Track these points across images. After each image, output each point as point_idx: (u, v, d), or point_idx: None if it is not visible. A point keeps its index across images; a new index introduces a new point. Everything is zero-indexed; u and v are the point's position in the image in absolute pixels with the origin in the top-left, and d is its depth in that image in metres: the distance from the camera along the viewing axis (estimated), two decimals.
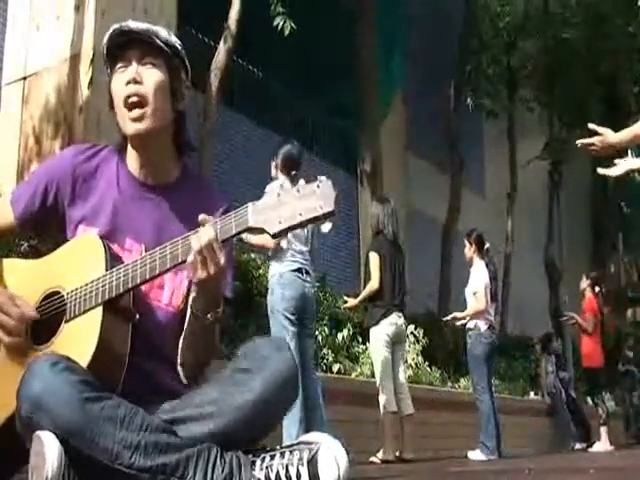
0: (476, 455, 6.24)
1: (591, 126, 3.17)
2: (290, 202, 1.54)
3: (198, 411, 1.61)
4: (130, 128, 1.78)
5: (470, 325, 6.62)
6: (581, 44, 13.22)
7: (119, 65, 1.80)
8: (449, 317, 6.98)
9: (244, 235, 4.50)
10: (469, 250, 6.81)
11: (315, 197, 1.53)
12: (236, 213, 1.59)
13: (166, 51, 1.82)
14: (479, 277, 6.64)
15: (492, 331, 6.64)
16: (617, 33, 13.39)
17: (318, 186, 1.54)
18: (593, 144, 3.12)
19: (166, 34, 1.84)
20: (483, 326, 6.55)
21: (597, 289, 9.05)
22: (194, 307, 1.70)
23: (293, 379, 1.67)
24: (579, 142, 3.16)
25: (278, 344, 1.72)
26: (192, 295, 1.72)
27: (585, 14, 13.18)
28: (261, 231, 1.57)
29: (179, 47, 1.86)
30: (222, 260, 1.61)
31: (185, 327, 1.76)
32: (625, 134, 3.12)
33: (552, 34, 13.51)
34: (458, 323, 6.87)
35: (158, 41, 1.81)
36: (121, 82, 1.79)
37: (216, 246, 1.59)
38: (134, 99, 1.76)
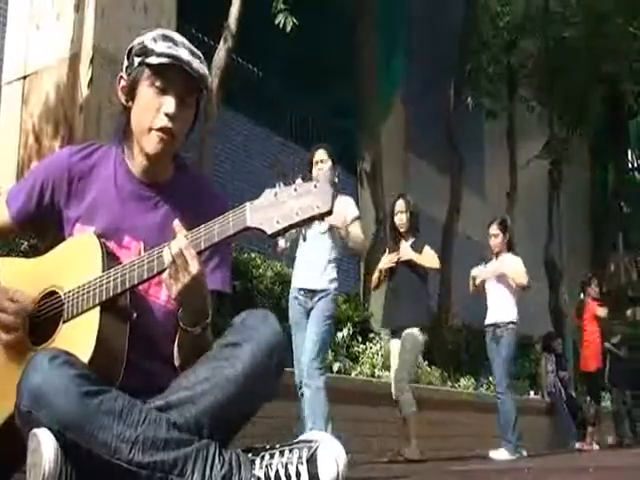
0: (500, 454, 6.10)
1: None
2: (287, 201, 1.54)
3: (191, 393, 1.61)
4: (151, 148, 1.81)
5: (512, 318, 6.36)
6: (581, 43, 13.22)
7: (160, 83, 1.79)
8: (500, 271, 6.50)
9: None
10: (502, 241, 6.51)
11: (312, 196, 1.53)
12: (234, 213, 1.59)
13: (201, 90, 1.86)
14: (519, 261, 6.37)
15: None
16: (617, 33, 13.38)
17: (315, 185, 1.54)
18: None
19: (207, 74, 1.85)
20: (517, 320, 6.37)
21: (588, 291, 9.21)
22: (181, 321, 1.70)
23: (280, 347, 1.68)
24: None
25: (264, 314, 1.73)
26: (179, 310, 1.72)
27: (585, 13, 13.17)
28: (258, 231, 1.57)
29: (208, 79, 1.88)
30: (195, 269, 1.60)
31: (177, 336, 1.76)
32: None
33: (552, 33, 13.51)
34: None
35: (202, 87, 1.84)
36: (158, 106, 1.79)
37: (188, 255, 1.59)
38: (165, 133, 1.79)
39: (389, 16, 10.79)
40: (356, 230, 4.59)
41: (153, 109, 1.79)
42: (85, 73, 5.91)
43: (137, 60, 1.80)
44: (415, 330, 5.67)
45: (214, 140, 6.84)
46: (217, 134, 6.95)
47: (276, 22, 6.70)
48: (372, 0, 10.08)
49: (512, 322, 6.37)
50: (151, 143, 1.80)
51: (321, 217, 1.54)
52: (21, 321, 1.71)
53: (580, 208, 18.88)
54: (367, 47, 9.83)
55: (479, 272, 6.62)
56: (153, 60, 1.77)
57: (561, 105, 14.23)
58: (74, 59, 6.02)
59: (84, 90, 5.88)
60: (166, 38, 1.81)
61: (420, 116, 11.70)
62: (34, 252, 4.18)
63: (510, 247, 6.55)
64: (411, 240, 5.85)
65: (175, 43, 1.80)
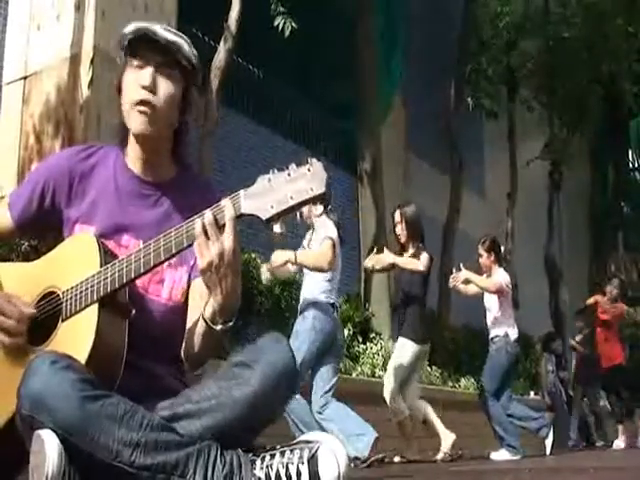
0: (501, 455, 6.09)
1: None
2: (281, 186, 1.53)
3: (197, 407, 1.60)
4: (135, 126, 1.80)
5: (499, 332, 6.29)
6: (581, 44, 13.23)
7: (137, 62, 1.80)
8: (458, 278, 6.37)
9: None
10: (487, 259, 6.40)
11: (306, 179, 1.51)
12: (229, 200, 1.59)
13: (185, 65, 1.83)
14: (503, 279, 6.28)
15: (518, 343, 6.36)
16: (617, 33, 13.39)
17: (309, 169, 1.52)
18: None
19: (188, 48, 1.84)
20: (513, 335, 6.26)
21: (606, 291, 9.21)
22: (204, 312, 1.66)
23: (291, 371, 1.65)
24: None
25: (276, 337, 1.70)
26: (205, 298, 1.69)
27: (585, 13, 13.19)
28: (254, 218, 1.56)
29: (197, 61, 1.86)
30: (229, 241, 1.56)
31: (191, 326, 1.75)
32: None
33: (552, 33, 13.52)
34: (458, 284, 6.37)
35: (180, 56, 1.81)
36: (135, 82, 1.79)
37: (218, 224, 1.57)
38: (145, 105, 1.78)
39: (389, 16, 10.79)
40: (311, 253, 4.48)
41: (134, 89, 1.79)
42: (85, 73, 5.92)
43: (122, 56, 1.84)
44: (404, 340, 5.66)
45: (214, 140, 6.84)
46: (217, 134, 6.95)
47: (275, 24, 6.68)
48: (372, 0, 10.08)
49: (497, 336, 6.30)
50: (134, 119, 1.79)
51: (315, 200, 1.52)
52: (24, 327, 1.71)
53: (580, 208, 18.89)
54: (367, 47, 9.83)
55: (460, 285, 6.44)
56: (125, 42, 1.80)
57: (561, 105, 14.24)
58: (74, 59, 6.03)
59: (84, 90, 5.88)
60: (140, 24, 1.83)
61: (420, 116, 11.69)
62: (35, 253, 4.19)
63: (500, 263, 6.48)
64: (411, 250, 5.74)
65: (147, 24, 1.82)
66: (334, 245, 4.39)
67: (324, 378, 4.55)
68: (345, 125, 10.20)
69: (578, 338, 10.31)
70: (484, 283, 6.30)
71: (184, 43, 1.83)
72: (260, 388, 1.59)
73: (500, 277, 6.33)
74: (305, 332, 4.44)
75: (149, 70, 1.78)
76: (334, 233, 4.43)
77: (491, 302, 6.40)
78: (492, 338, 6.35)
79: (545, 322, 13.33)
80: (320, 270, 4.44)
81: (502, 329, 6.29)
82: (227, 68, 6.61)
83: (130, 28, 1.81)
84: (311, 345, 4.43)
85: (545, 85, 14.04)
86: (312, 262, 4.43)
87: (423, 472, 4.41)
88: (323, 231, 4.45)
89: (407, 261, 5.66)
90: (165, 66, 1.80)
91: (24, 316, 1.70)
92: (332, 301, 4.59)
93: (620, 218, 20.05)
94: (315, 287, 4.56)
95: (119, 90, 1.84)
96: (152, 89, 1.77)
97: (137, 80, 1.78)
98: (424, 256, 5.65)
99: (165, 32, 1.80)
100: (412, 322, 5.67)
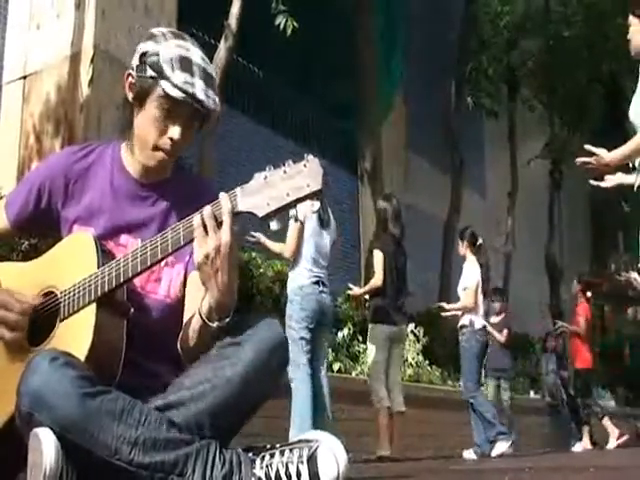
0: (500, 448, 6.14)
1: (587, 147, 3.41)
2: (277, 183, 1.53)
3: (191, 392, 1.59)
4: (151, 164, 1.82)
5: (465, 322, 6.45)
6: (581, 43, 13.24)
7: (169, 107, 1.76)
8: (438, 305, 6.79)
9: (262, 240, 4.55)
10: (462, 247, 6.74)
11: (302, 176, 1.51)
12: None
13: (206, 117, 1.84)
14: (470, 274, 6.55)
15: (485, 331, 6.53)
16: (617, 32, 13.38)
17: (305, 165, 1.51)
18: (590, 163, 3.38)
19: (217, 104, 1.81)
20: (478, 324, 6.44)
21: (589, 294, 8.92)
22: (201, 308, 1.66)
23: (282, 346, 1.66)
24: (578, 161, 3.46)
25: (267, 320, 1.71)
26: (202, 289, 1.68)
27: (586, 13, 13.19)
28: (250, 215, 1.56)
29: (218, 109, 1.85)
30: (226, 235, 1.57)
31: (188, 318, 1.75)
32: (618, 153, 3.37)
33: (552, 33, 13.52)
34: (446, 314, 6.74)
35: (209, 114, 1.82)
36: (164, 127, 1.77)
37: (216, 219, 1.57)
38: (167, 154, 1.80)
39: (389, 16, 10.80)
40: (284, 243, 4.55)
41: (159, 129, 1.78)
42: (86, 72, 5.93)
43: (150, 72, 1.76)
44: (370, 325, 5.77)
45: (214, 139, 6.84)
46: (217, 133, 6.95)
47: (276, 23, 6.68)
48: (372, 0, 10.09)
49: (464, 325, 6.45)
50: (151, 160, 1.81)
51: (312, 196, 1.52)
52: (26, 320, 1.72)
53: (581, 207, 18.90)
54: (367, 47, 9.84)
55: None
56: (168, 88, 1.74)
57: (561, 104, 14.25)
58: (74, 58, 6.04)
59: (85, 89, 5.89)
60: (183, 63, 1.76)
61: (420, 116, 11.70)
62: (35, 251, 4.19)
63: (473, 251, 6.68)
64: None
65: (192, 72, 1.76)
66: (301, 228, 4.43)
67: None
68: (345, 125, 10.20)
69: (493, 320, 8.94)
70: (458, 306, 6.54)
71: (217, 101, 1.81)
72: (251, 364, 1.60)
73: (465, 281, 6.53)
74: (289, 317, 4.52)
75: (180, 125, 1.77)
76: (302, 214, 4.41)
77: (459, 291, 6.60)
78: (460, 327, 6.50)
79: (545, 321, 13.33)
80: (284, 257, 4.55)
81: (467, 318, 6.42)
82: (227, 67, 6.61)
83: (178, 79, 1.73)
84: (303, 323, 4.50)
85: (545, 84, 14.05)
86: (275, 249, 4.57)
87: (422, 471, 4.41)
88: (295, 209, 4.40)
89: (372, 284, 5.79)
90: (194, 120, 1.81)
91: (26, 309, 1.71)
92: (315, 280, 4.55)
93: (621, 217, 20.06)
94: (290, 269, 4.62)
95: (135, 94, 1.80)
96: (177, 142, 1.78)
97: (166, 129, 1.77)
98: (376, 259, 5.74)
99: (210, 101, 1.77)
100: (374, 309, 5.78)
